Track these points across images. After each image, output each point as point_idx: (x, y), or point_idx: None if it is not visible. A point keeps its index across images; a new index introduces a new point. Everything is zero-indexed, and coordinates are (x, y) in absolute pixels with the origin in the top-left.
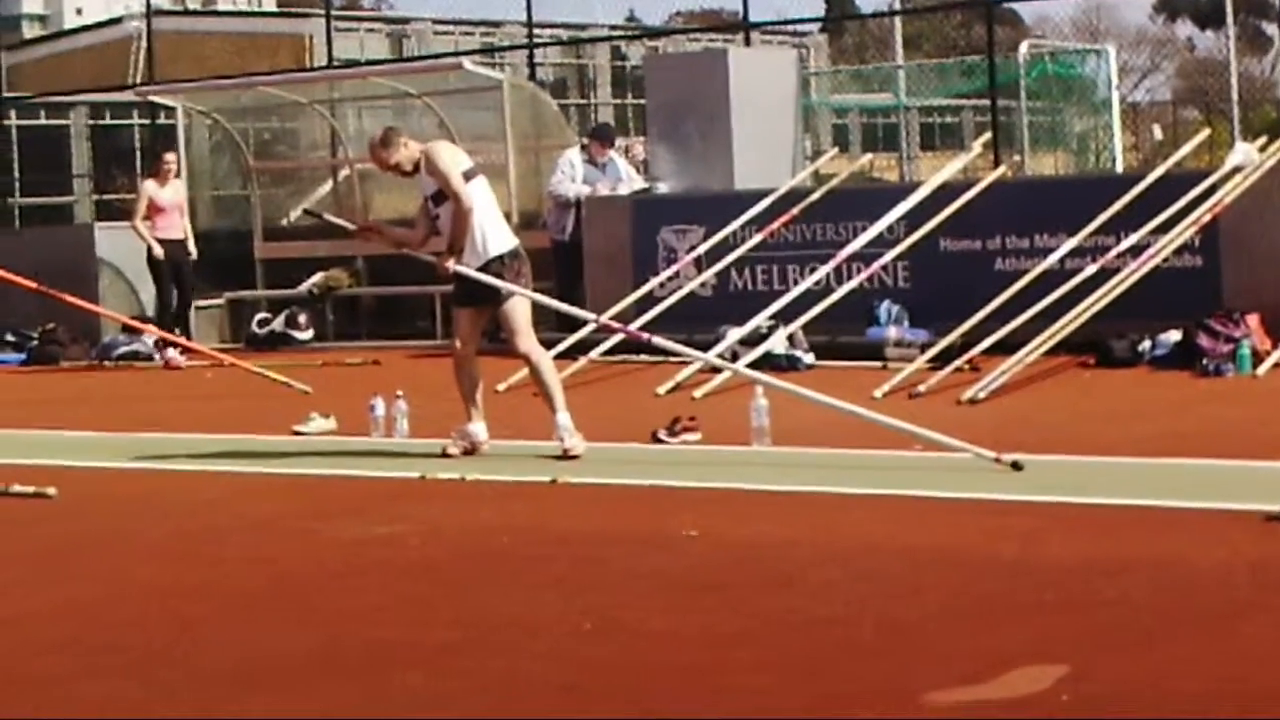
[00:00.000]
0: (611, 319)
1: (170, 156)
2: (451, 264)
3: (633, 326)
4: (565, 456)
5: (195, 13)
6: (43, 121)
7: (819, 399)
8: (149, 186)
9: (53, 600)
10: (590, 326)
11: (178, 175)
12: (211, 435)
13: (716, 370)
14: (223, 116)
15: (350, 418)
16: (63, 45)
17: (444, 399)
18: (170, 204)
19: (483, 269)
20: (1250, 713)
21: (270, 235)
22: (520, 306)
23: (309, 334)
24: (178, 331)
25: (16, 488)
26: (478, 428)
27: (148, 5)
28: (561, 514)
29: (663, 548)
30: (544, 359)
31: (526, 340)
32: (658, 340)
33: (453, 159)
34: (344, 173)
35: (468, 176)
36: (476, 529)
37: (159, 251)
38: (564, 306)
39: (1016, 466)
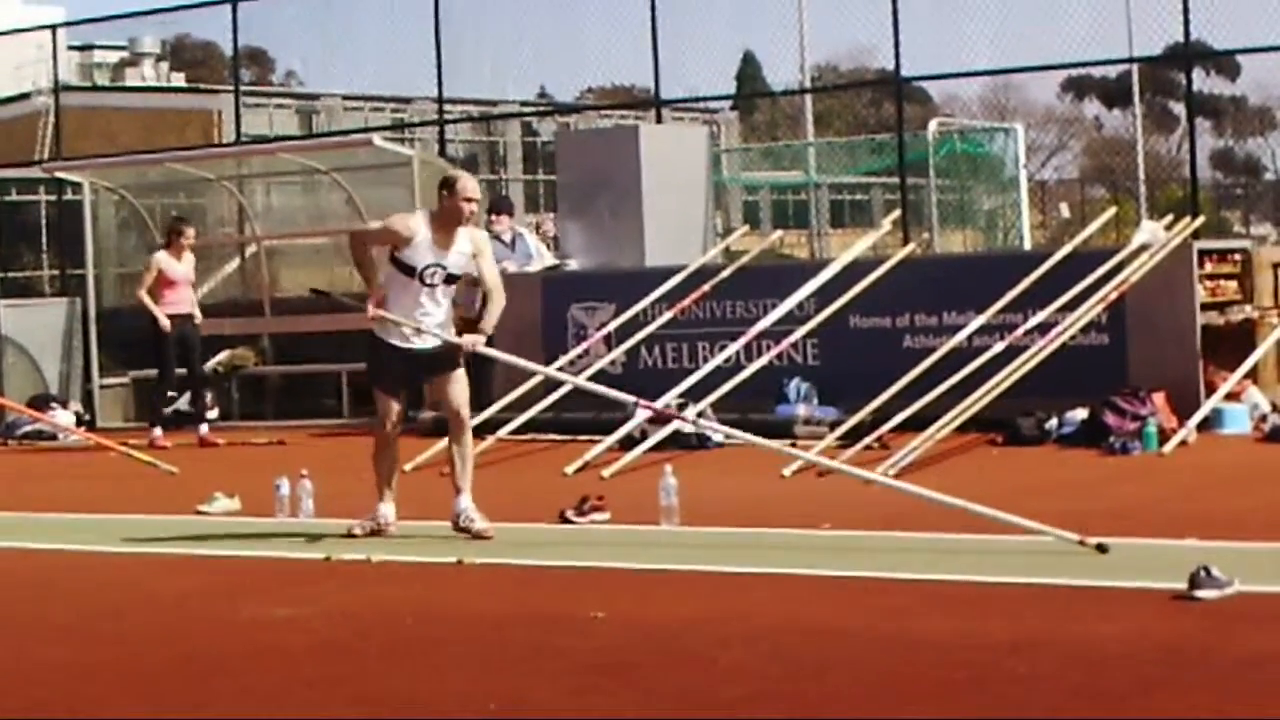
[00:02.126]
0: (519, 397)
1: (190, 230)
2: (479, 344)
3: (541, 405)
4: (473, 538)
5: (103, 88)
6: None
7: (899, 486)
8: (160, 258)
9: None
10: (497, 407)
11: (190, 249)
12: (115, 515)
13: (627, 446)
14: (130, 193)
15: (255, 497)
16: None
17: (350, 478)
18: (182, 278)
19: (447, 349)
20: None
21: None
22: (466, 381)
23: (215, 413)
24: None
25: None
26: (389, 509)
27: (55, 81)
28: (467, 595)
29: (569, 629)
30: (470, 436)
31: (467, 410)
32: (703, 423)
33: None
34: (251, 249)
35: None
36: (382, 610)
37: (165, 324)
38: (600, 389)
39: (1102, 549)
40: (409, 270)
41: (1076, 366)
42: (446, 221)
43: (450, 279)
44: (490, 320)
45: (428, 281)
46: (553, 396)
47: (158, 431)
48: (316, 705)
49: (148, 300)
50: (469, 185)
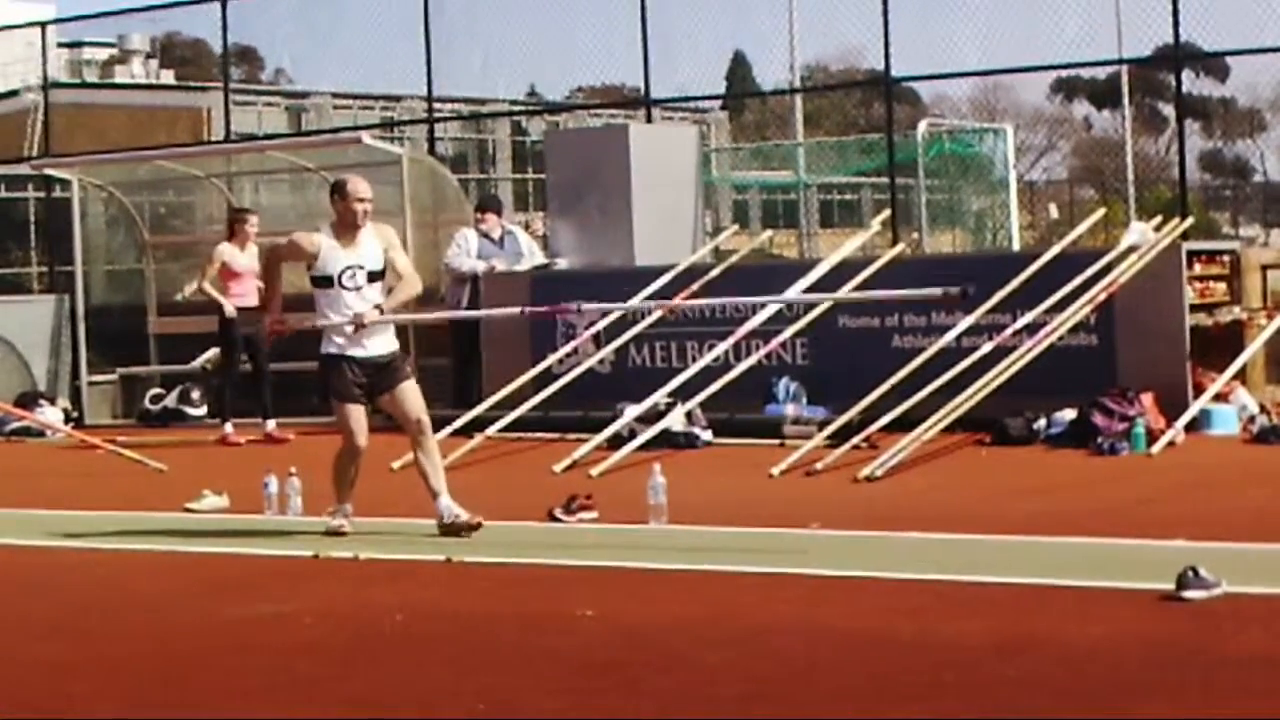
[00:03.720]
0: (506, 396)
1: (253, 219)
2: (370, 316)
3: (530, 404)
4: (461, 533)
5: (93, 85)
6: None
7: None
8: (224, 250)
9: None
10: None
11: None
12: (104, 512)
13: (616, 445)
14: (118, 190)
15: (243, 495)
16: None
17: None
18: (247, 269)
19: (393, 355)
20: None
21: (164, 310)
22: (418, 389)
23: (203, 410)
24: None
25: None
26: (349, 507)
27: (44, 77)
28: (456, 593)
29: (558, 627)
30: (434, 440)
31: (426, 417)
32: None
33: None
34: None
35: None
36: (370, 608)
37: (231, 310)
38: None
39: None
40: (326, 280)
41: (1065, 367)
42: (345, 226)
43: (373, 276)
44: (393, 301)
45: (348, 285)
46: (543, 394)
47: (228, 428)
48: (303, 704)
49: (211, 290)
50: (359, 187)
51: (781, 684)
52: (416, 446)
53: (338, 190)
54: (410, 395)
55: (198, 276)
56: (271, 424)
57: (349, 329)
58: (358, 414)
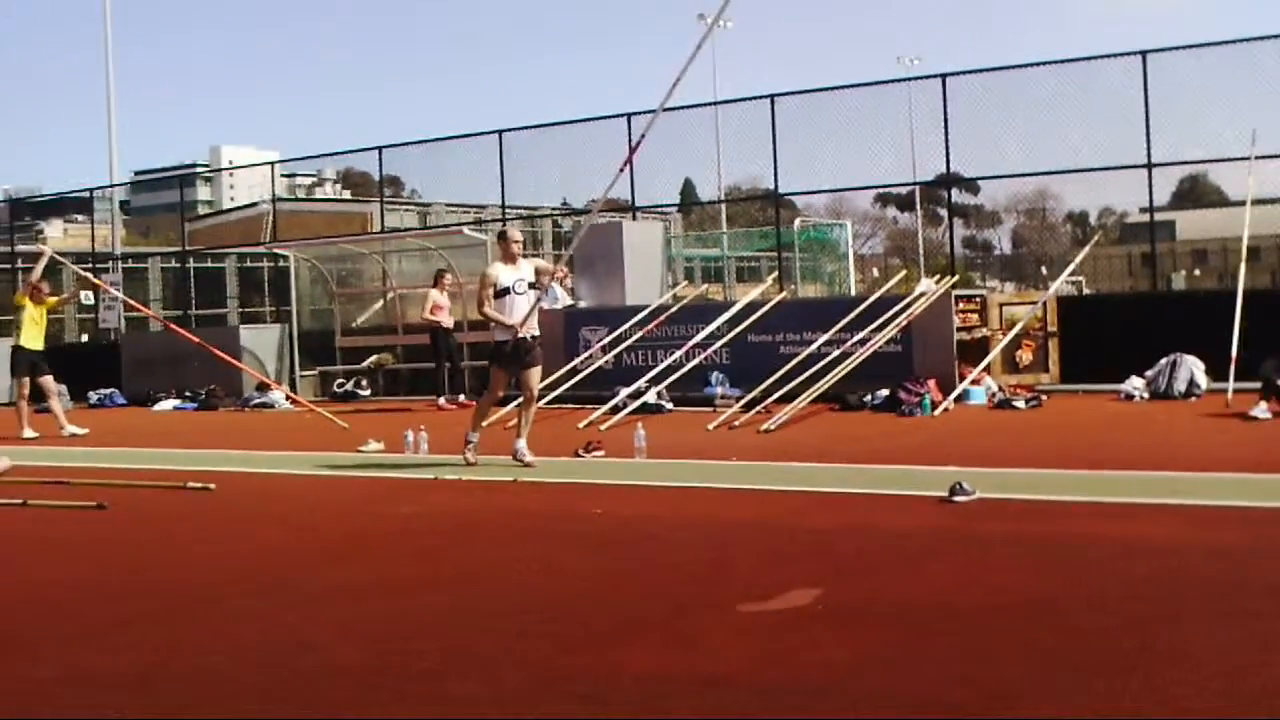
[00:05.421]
0: (549, 383)
1: (450, 277)
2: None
3: (564, 387)
4: (525, 466)
5: (301, 200)
6: (209, 265)
7: None
8: (434, 294)
9: (219, 550)
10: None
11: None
12: (309, 453)
13: (615, 411)
14: (318, 261)
15: (393, 442)
16: (222, 218)
17: (451, 432)
18: (446, 305)
19: (537, 337)
20: (936, 607)
21: (345, 333)
22: (541, 370)
23: (368, 392)
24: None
25: (190, 484)
26: (477, 435)
27: (273, 195)
28: (520, 500)
29: (580, 519)
30: (535, 406)
31: (538, 390)
32: None
33: None
34: (390, 295)
35: None
36: (468, 509)
37: (449, 322)
38: None
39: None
40: (505, 291)
41: (882, 364)
42: (509, 257)
43: (532, 286)
44: (544, 277)
45: (518, 291)
46: (571, 381)
47: (442, 400)
48: (429, 563)
49: (431, 317)
50: (514, 233)
51: (714, 550)
52: (524, 406)
53: (502, 237)
54: (534, 376)
55: (421, 310)
56: (461, 397)
57: (516, 324)
58: (503, 378)
